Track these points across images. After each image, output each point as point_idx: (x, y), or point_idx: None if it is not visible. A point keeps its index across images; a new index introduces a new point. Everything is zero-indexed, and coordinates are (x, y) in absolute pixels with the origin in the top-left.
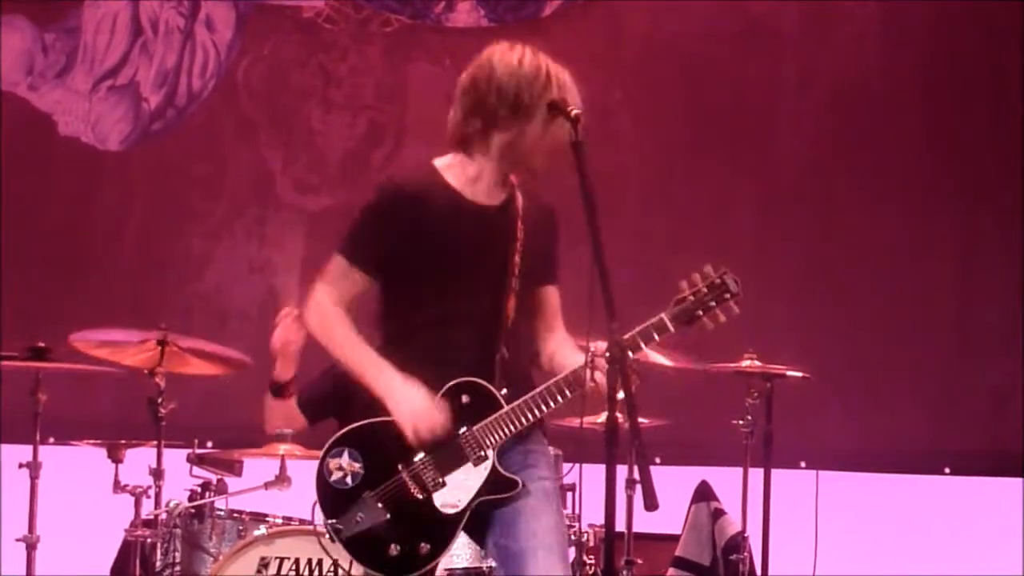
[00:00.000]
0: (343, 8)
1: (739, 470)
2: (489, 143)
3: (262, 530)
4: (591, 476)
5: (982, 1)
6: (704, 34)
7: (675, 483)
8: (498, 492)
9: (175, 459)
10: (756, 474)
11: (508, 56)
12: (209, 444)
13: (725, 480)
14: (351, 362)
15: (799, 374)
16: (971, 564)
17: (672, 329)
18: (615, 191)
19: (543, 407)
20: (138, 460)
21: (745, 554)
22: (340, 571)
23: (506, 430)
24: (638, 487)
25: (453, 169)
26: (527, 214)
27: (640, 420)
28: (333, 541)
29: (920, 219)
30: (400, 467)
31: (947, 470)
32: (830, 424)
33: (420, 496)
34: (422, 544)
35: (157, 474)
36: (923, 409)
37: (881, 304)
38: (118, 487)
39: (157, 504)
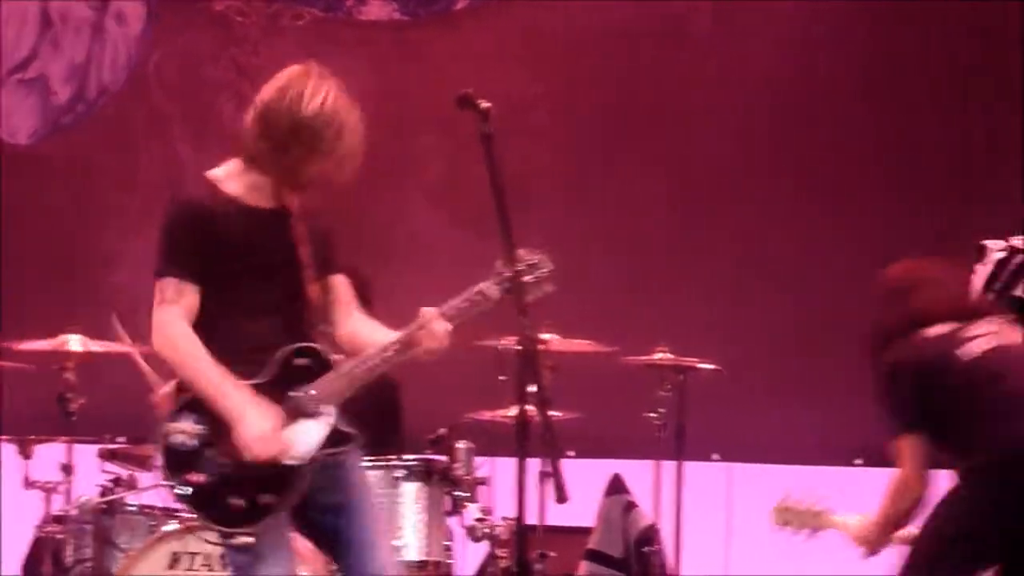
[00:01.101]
0: (255, 2)
1: (651, 463)
2: (272, 164)
3: (174, 525)
4: (503, 470)
5: (899, 1)
6: (622, 30)
7: (588, 476)
8: (336, 446)
9: (86, 455)
10: (669, 467)
11: (312, 97)
12: (120, 439)
13: (637, 473)
14: (201, 381)
15: (711, 366)
16: (883, 555)
17: (492, 297)
18: (528, 185)
19: (376, 366)
20: (49, 456)
21: (657, 546)
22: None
23: (342, 388)
24: (551, 480)
25: (232, 178)
26: (304, 212)
27: (552, 413)
28: (178, 500)
29: (832, 215)
30: None
31: (859, 461)
32: (742, 416)
33: None
34: (264, 495)
35: (67, 470)
36: (834, 400)
37: (794, 297)
38: (28, 483)
39: (68, 500)
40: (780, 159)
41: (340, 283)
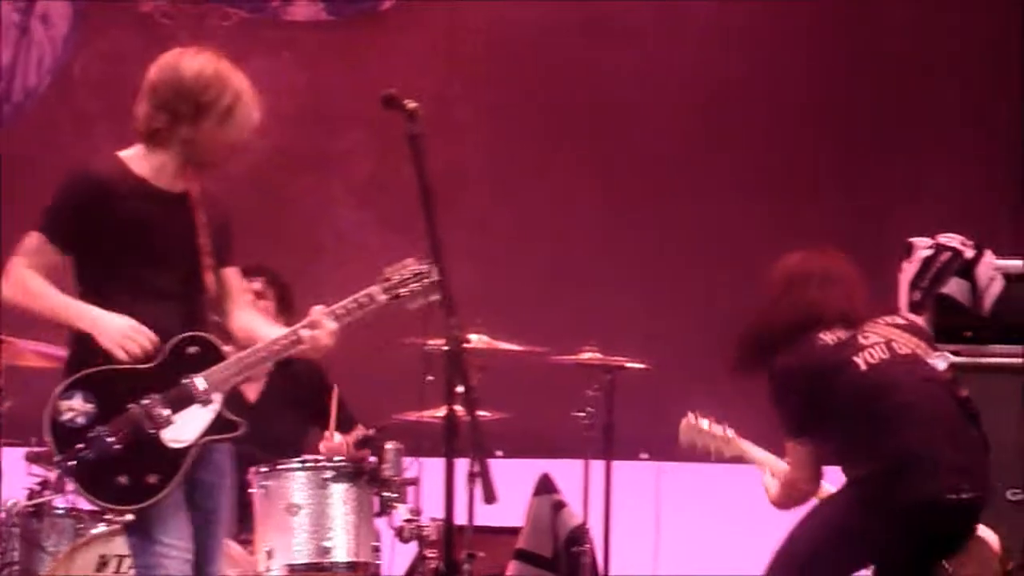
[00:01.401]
0: (181, 3)
1: (580, 462)
2: (172, 138)
3: (101, 528)
4: (432, 470)
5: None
6: (551, 27)
7: (516, 476)
8: (221, 432)
9: (13, 457)
10: (597, 466)
11: (191, 60)
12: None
13: (566, 472)
14: (52, 309)
15: (640, 365)
16: None
17: (384, 301)
18: (456, 184)
19: (264, 358)
20: None
21: (586, 545)
22: None
23: (231, 377)
24: (479, 480)
25: (138, 159)
26: (206, 201)
27: (481, 413)
28: (64, 477)
29: (763, 211)
30: (131, 406)
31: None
32: (671, 415)
33: (149, 432)
34: (149, 476)
35: None
36: (762, 400)
37: (722, 296)
38: None
39: None
40: (709, 155)
41: (234, 275)
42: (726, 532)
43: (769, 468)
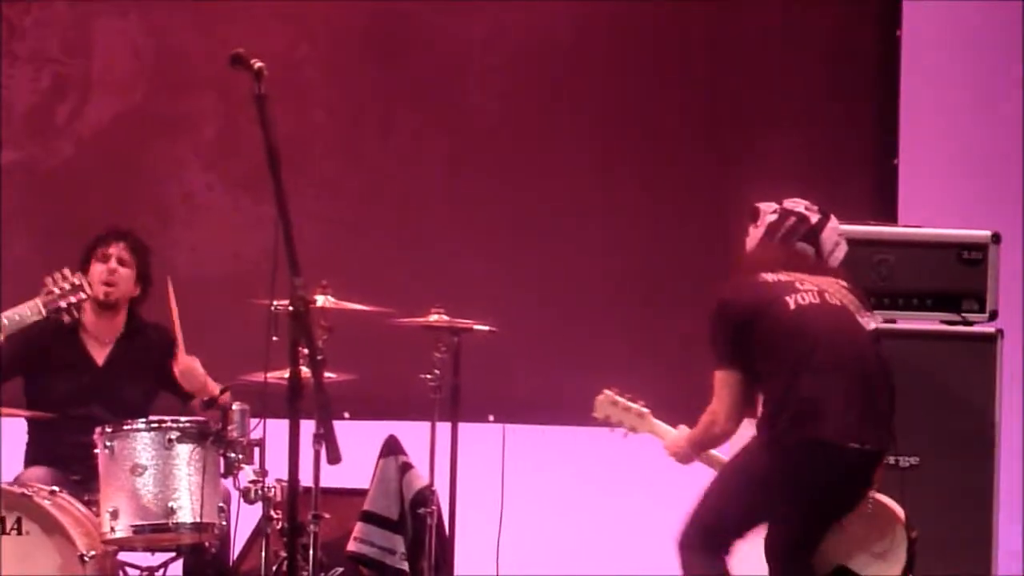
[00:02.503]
0: None
1: (427, 424)
2: None
3: None
4: (277, 431)
5: None
6: None
7: (363, 437)
8: None
9: None
10: (444, 428)
11: None
12: None
13: (413, 434)
14: None
15: (486, 328)
16: (658, 517)
17: (44, 315)
18: (303, 145)
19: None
20: None
21: (433, 507)
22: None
23: None
24: (324, 442)
25: None
26: None
27: (327, 375)
28: None
29: (607, 174)
30: None
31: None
32: (518, 378)
33: None
34: None
35: None
36: (611, 361)
37: (569, 258)
38: None
39: None
40: (555, 118)
41: None
42: (572, 494)
43: (672, 442)
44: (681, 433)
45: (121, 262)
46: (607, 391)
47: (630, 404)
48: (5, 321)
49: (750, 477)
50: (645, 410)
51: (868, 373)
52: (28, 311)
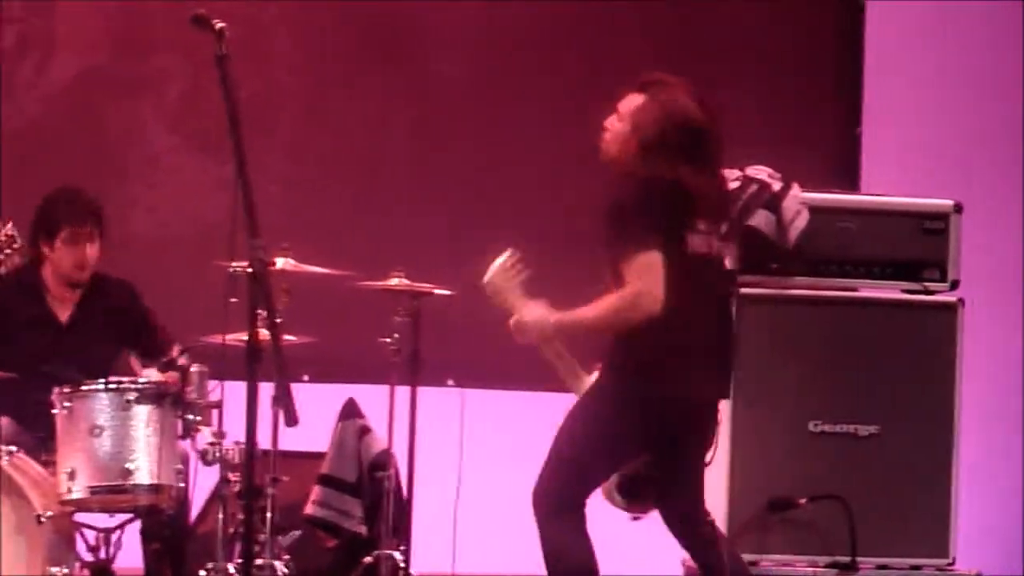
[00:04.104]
0: None
1: (386, 388)
2: None
3: None
4: (236, 393)
5: None
6: None
7: (322, 401)
8: None
9: None
10: (403, 392)
11: None
12: None
13: (372, 398)
14: None
15: (446, 292)
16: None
17: None
18: (269, 108)
19: None
20: None
21: (391, 471)
22: None
23: None
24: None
25: None
26: None
27: (287, 337)
28: None
29: (570, 138)
30: None
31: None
32: (477, 342)
33: None
34: None
35: None
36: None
37: (533, 222)
38: None
39: None
40: (520, 83)
41: None
42: (529, 458)
43: (534, 316)
44: (545, 311)
45: (91, 244)
46: (499, 265)
47: (511, 283)
48: None
49: (607, 425)
50: (519, 293)
51: (720, 320)
52: None
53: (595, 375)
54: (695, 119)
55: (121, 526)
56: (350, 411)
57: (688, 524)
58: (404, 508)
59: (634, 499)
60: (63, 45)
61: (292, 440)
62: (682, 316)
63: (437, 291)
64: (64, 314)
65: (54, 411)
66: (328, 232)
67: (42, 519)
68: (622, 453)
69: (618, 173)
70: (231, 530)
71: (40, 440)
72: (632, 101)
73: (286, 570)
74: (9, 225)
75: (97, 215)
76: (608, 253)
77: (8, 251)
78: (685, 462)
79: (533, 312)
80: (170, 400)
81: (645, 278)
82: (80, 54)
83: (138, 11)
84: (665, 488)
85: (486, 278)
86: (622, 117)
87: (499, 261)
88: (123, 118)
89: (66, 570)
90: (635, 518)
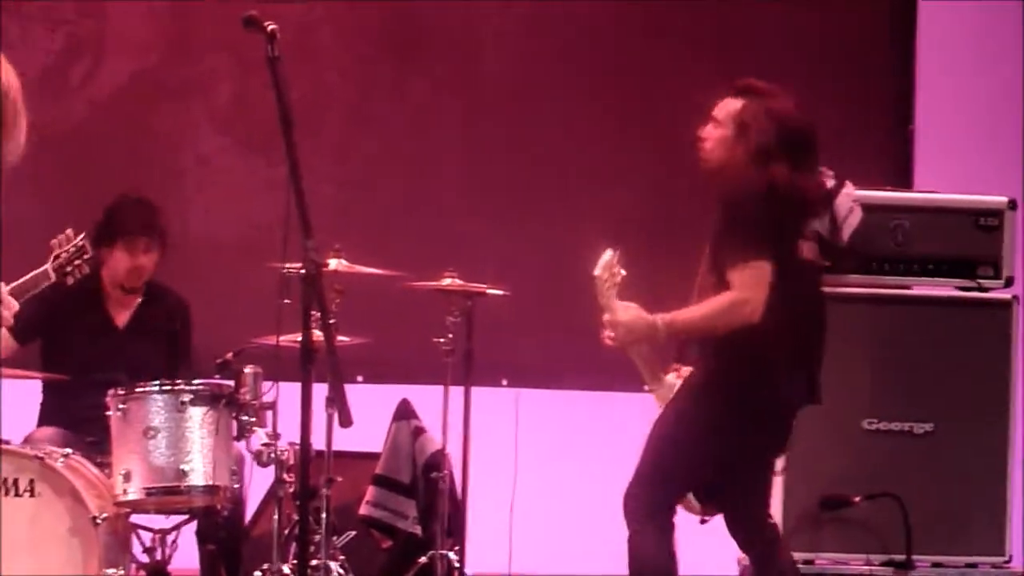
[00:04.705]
0: None
1: (440, 388)
2: None
3: None
4: (290, 394)
5: None
6: None
7: (376, 401)
8: None
9: None
10: (457, 392)
11: None
12: None
13: (426, 398)
14: None
15: (500, 292)
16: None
17: (54, 279)
18: (316, 108)
19: None
20: None
21: (445, 471)
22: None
23: None
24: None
25: None
26: None
27: (340, 338)
28: None
29: (621, 139)
30: None
31: (646, 387)
32: (531, 342)
33: None
34: None
35: None
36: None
37: (581, 222)
38: None
39: None
40: (569, 79)
41: None
42: (584, 458)
43: (628, 316)
44: (640, 313)
45: (148, 255)
46: (608, 260)
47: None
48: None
49: (709, 431)
50: (613, 298)
51: (819, 329)
52: (40, 278)
53: (671, 376)
54: (801, 123)
55: (176, 527)
56: (404, 412)
57: (754, 525)
58: (459, 508)
59: (709, 502)
60: (113, 48)
61: (346, 441)
62: (785, 322)
63: (490, 291)
64: (121, 318)
65: (109, 413)
66: (379, 232)
67: (98, 521)
68: (716, 458)
69: (723, 179)
70: (286, 531)
71: (94, 443)
72: (729, 106)
73: (341, 571)
74: (80, 236)
75: (154, 227)
76: (714, 252)
77: (78, 262)
78: (765, 465)
79: (628, 312)
80: (224, 401)
81: (751, 287)
82: (130, 56)
83: (187, 12)
84: (742, 491)
85: (596, 271)
86: (721, 123)
87: (605, 257)
88: (174, 121)
89: (122, 571)
90: (703, 521)
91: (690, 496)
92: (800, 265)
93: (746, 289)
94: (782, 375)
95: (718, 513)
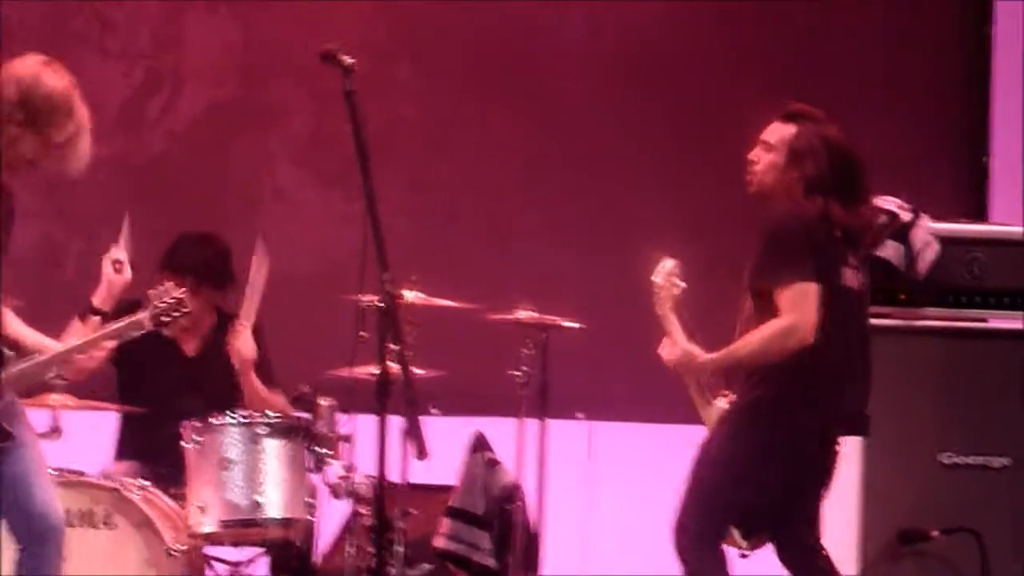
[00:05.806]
0: None
1: (515, 420)
2: None
3: None
4: (366, 427)
5: None
6: None
7: (451, 433)
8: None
9: None
10: (532, 425)
11: (41, 72)
12: None
13: (501, 431)
14: None
15: (575, 324)
16: None
17: (149, 327)
18: (390, 138)
19: (45, 368)
20: None
21: (519, 503)
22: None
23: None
24: (412, 437)
25: None
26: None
27: (415, 371)
28: None
29: (697, 170)
30: None
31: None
32: (606, 375)
33: None
34: None
35: None
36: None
37: (659, 253)
38: None
39: None
40: (646, 114)
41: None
42: (660, 492)
43: (683, 348)
44: (693, 347)
45: (195, 296)
46: (668, 266)
47: (670, 292)
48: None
49: (756, 456)
50: (671, 313)
51: (864, 355)
52: (135, 327)
53: (720, 401)
54: (852, 153)
55: (251, 559)
56: (479, 444)
57: (808, 555)
58: (533, 540)
59: (751, 535)
60: (190, 80)
61: (422, 473)
62: (829, 350)
63: (565, 323)
64: (190, 347)
65: (184, 444)
66: (455, 264)
67: (173, 552)
68: (763, 484)
69: (772, 204)
70: (362, 564)
71: (168, 474)
72: (780, 131)
73: None
74: (180, 290)
75: (208, 267)
76: (756, 279)
77: (176, 314)
78: (814, 493)
79: (676, 351)
80: (300, 434)
81: (800, 308)
82: (207, 89)
83: (262, 44)
84: (791, 520)
85: (654, 277)
86: (772, 147)
87: (666, 265)
88: (250, 152)
89: None
90: (743, 555)
91: (732, 530)
92: (844, 292)
93: (796, 311)
94: (825, 401)
95: (762, 546)
